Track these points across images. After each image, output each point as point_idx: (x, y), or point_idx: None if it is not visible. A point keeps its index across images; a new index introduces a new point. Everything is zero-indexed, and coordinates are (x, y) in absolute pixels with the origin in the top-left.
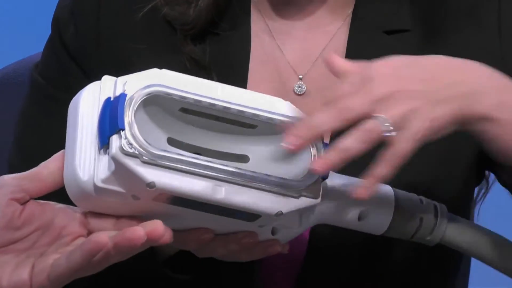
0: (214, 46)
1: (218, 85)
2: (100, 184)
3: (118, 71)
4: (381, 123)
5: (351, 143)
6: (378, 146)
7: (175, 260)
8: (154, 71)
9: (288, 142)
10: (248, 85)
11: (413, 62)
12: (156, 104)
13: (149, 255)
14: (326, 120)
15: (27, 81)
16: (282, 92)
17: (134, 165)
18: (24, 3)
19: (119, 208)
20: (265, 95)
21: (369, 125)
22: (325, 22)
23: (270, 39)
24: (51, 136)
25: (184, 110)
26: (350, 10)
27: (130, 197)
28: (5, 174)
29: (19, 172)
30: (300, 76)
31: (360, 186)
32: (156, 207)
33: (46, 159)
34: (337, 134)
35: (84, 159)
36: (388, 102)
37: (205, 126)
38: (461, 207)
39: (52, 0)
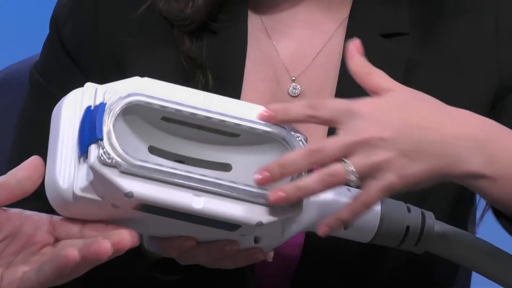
0: (211, 44)
1: (200, 94)
2: (79, 193)
3: (115, 69)
4: (346, 170)
5: (312, 183)
6: None
7: (165, 262)
8: (136, 79)
9: (261, 179)
10: (243, 84)
11: (404, 105)
12: (137, 112)
13: (138, 258)
14: (297, 160)
15: None
16: (276, 93)
17: (112, 175)
18: (25, 3)
19: (99, 215)
20: (248, 103)
21: (334, 169)
22: (321, 22)
23: (266, 39)
24: None
25: (166, 119)
26: (347, 12)
27: (110, 205)
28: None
29: None
30: (293, 78)
31: (322, 223)
32: (136, 215)
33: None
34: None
35: (64, 167)
36: (363, 148)
37: (187, 135)
38: (459, 212)
39: (54, 1)
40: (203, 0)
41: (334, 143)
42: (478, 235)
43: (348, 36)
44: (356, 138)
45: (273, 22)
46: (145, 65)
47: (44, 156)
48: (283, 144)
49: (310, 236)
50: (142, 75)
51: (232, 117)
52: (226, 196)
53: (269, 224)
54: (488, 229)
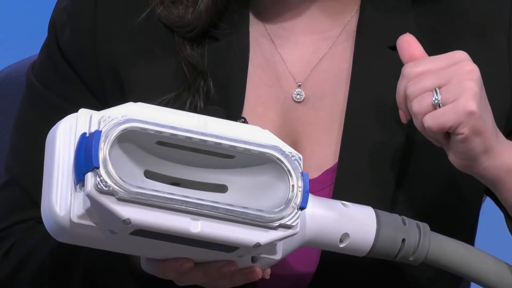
0: (212, 50)
1: (194, 116)
2: (76, 220)
3: (113, 76)
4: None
5: None
6: None
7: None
8: (130, 105)
9: None
10: (247, 90)
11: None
12: (132, 138)
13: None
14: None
15: None
16: (280, 98)
17: (109, 202)
18: (25, 3)
19: (96, 241)
20: (244, 124)
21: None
22: (324, 27)
23: (269, 44)
24: None
25: (161, 143)
26: (351, 15)
27: (107, 231)
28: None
29: (17, 176)
30: (299, 83)
31: None
32: (134, 240)
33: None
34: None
35: (60, 194)
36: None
37: (182, 157)
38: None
39: (55, 1)
40: (204, 6)
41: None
42: (477, 236)
43: (357, 50)
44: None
45: (276, 28)
46: (145, 73)
47: (38, 160)
48: (278, 164)
49: (325, 253)
50: (141, 83)
51: (227, 139)
52: (223, 219)
53: (267, 244)
54: (488, 228)
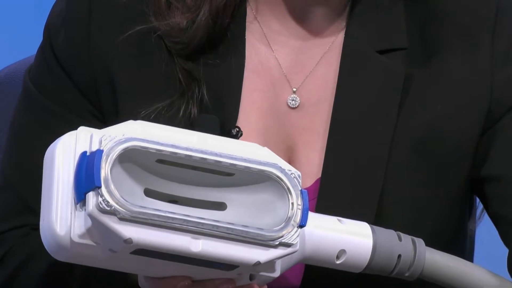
0: (208, 57)
1: (194, 134)
2: (77, 240)
3: (108, 83)
4: None
5: None
6: None
7: None
8: (130, 123)
9: None
10: (242, 95)
11: None
12: (132, 156)
13: None
14: None
15: None
16: (275, 104)
17: (111, 222)
18: (25, 2)
19: (96, 260)
20: (242, 141)
21: None
22: (322, 32)
23: (266, 49)
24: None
25: (161, 161)
26: (346, 21)
27: (108, 250)
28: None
29: (12, 181)
30: (294, 89)
31: None
32: (134, 259)
33: (41, 172)
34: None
35: (60, 213)
36: None
37: (182, 175)
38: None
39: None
40: (203, 22)
41: None
42: (477, 235)
43: (344, 54)
44: None
45: (274, 33)
46: (138, 80)
47: (33, 165)
48: (278, 181)
49: (309, 266)
50: (134, 90)
51: (227, 157)
52: (224, 238)
53: (267, 262)
54: (488, 228)
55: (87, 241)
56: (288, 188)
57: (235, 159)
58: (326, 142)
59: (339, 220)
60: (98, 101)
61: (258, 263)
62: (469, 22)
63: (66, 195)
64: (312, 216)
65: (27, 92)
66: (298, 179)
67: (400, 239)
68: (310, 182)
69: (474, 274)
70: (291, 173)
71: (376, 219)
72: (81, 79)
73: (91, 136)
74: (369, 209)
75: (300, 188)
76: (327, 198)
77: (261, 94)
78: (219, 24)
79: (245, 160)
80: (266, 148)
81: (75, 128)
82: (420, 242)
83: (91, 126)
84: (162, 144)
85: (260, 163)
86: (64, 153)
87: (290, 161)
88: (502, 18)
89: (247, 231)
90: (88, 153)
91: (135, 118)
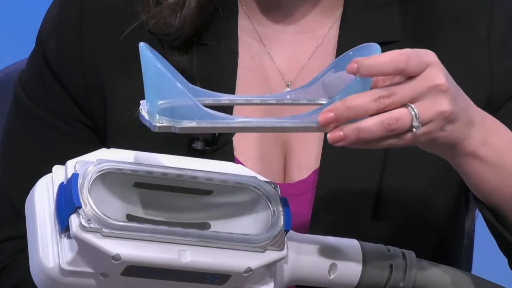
0: (201, 55)
1: (169, 156)
2: (66, 267)
3: (99, 87)
4: (411, 115)
5: (373, 126)
6: None
7: None
8: (103, 151)
9: (324, 120)
10: (236, 92)
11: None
12: (110, 184)
13: None
14: (365, 104)
15: None
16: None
17: (96, 240)
18: (25, 3)
19: None
20: (218, 161)
21: (398, 113)
22: (314, 26)
23: (259, 45)
24: (37, 157)
25: (138, 185)
26: (339, 12)
27: (99, 276)
28: None
29: (5, 190)
30: (288, 83)
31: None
32: (127, 282)
33: (32, 180)
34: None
35: (46, 247)
36: (431, 95)
37: (162, 200)
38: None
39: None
40: (190, 11)
41: (405, 88)
42: (477, 236)
43: (339, 48)
44: (429, 83)
45: (266, 29)
46: (130, 83)
47: (32, 178)
48: (256, 192)
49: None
50: (126, 94)
51: (203, 172)
52: (211, 247)
53: (257, 270)
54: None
55: (77, 268)
56: (268, 197)
57: (211, 173)
58: (323, 139)
59: (326, 237)
60: (89, 107)
61: (249, 269)
62: (464, 16)
63: (49, 229)
64: (299, 236)
65: (18, 99)
66: (277, 188)
67: (389, 251)
68: (307, 173)
69: (468, 283)
70: (269, 183)
71: (373, 210)
72: (73, 83)
73: (66, 166)
74: (367, 199)
75: (279, 196)
76: (325, 188)
77: (255, 90)
78: (208, 5)
79: (221, 174)
80: (240, 165)
81: (65, 136)
82: (410, 253)
83: (82, 134)
84: (137, 165)
85: (236, 175)
86: (43, 194)
87: (286, 155)
88: (496, 11)
89: (234, 237)
90: (65, 182)
91: (125, 121)
